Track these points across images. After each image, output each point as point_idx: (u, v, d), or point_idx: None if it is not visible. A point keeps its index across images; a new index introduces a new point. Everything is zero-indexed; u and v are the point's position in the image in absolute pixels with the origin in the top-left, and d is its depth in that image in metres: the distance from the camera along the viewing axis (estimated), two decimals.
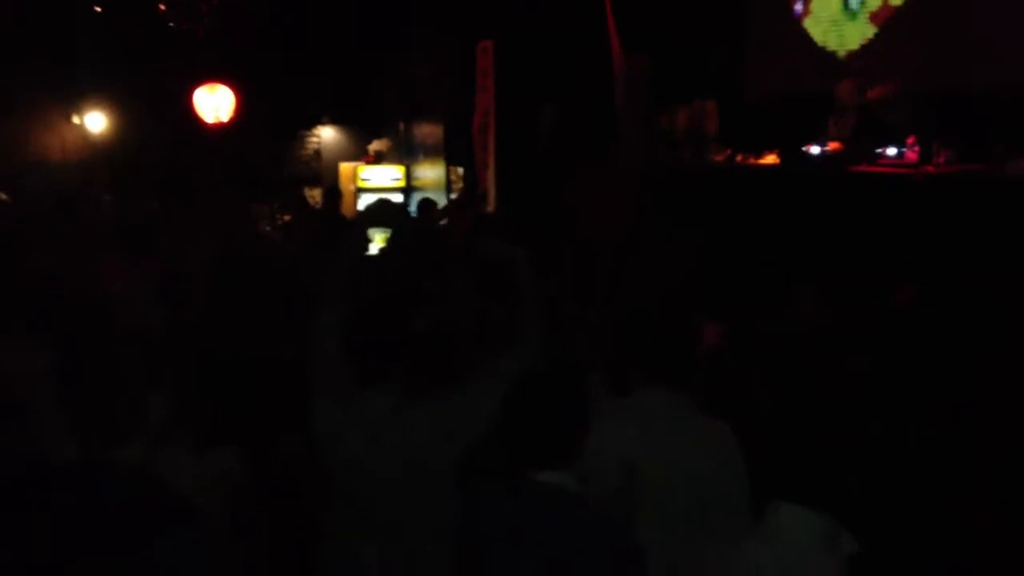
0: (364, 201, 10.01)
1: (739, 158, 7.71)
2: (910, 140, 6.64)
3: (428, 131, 10.54)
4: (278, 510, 3.10)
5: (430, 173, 10.55)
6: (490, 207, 9.64)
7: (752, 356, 4.17)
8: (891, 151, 6.79)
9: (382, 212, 3.43)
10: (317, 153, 11.13)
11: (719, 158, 7.88)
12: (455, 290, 4.32)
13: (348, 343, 2.80)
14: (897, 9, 7.78)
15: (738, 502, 2.60)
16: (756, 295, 5.28)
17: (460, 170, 10.27)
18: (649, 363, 2.73)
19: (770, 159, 7.46)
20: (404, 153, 10.83)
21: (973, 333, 4.69)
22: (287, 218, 8.73)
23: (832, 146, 7.15)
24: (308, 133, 11.11)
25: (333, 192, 8.88)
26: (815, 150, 7.17)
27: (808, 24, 8.57)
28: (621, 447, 2.55)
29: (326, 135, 11.11)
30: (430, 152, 10.56)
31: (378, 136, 10.81)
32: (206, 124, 10.05)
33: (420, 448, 2.63)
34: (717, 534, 2.52)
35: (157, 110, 10.15)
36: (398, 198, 9.96)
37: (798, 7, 8.66)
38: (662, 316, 2.85)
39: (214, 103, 9.93)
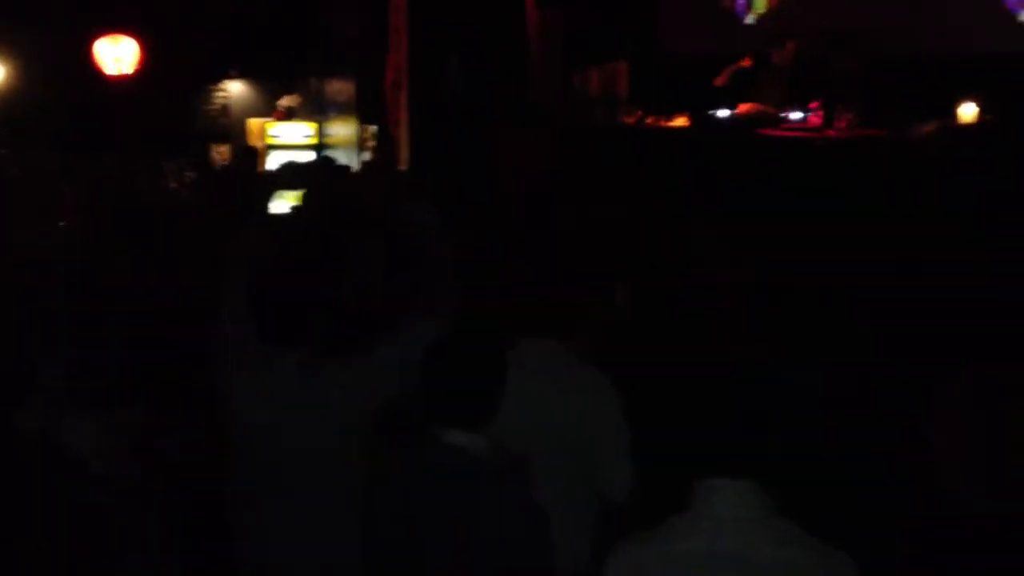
0: (273, 158, 9.84)
1: (649, 120, 7.79)
2: (814, 104, 6.79)
3: (340, 87, 10.39)
4: (186, 469, 3.07)
5: (342, 130, 10.42)
6: (403, 165, 9.59)
7: (656, 314, 4.24)
8: (795, 115, 6.93)
9: (293, 174, 3.39)
10: (225, 108, 10.87)
11: (630, 119, 7.94)
12: (366, 252, 4.30)
13: (255, 303, 2.78)
14: None
15: (613, 451, 2.68)
16: (665, 256, 5.36)
17: (372, 128, 10.15)
18: (526, 316, 2.77)
19: (680, 121, 7.55)
20: (315, 110, 10.66)
21: (873, 291, 4.85)
22: (191, 175, 8.54)
23: (741, 109, 7.27)
24: (216, 88, 10.83)
25: (249, 151, 8.72)
26: (723, 113, 7.27)
27: None
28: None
29: (235, 90, 10.86)
30: (342, 109, 10.41)
31: (289, 92, 10.62)
32: (108, 76, 9.74)
33: (326, 408, 2.63)
34: (595, 485, 2.61)
35: (57, 61, 9.79)
36: (309, 155, 9.81)
37: None
38: (540, 271, 2.88)
39: (116, 54, 9.61)
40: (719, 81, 7.51)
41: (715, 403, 1.94)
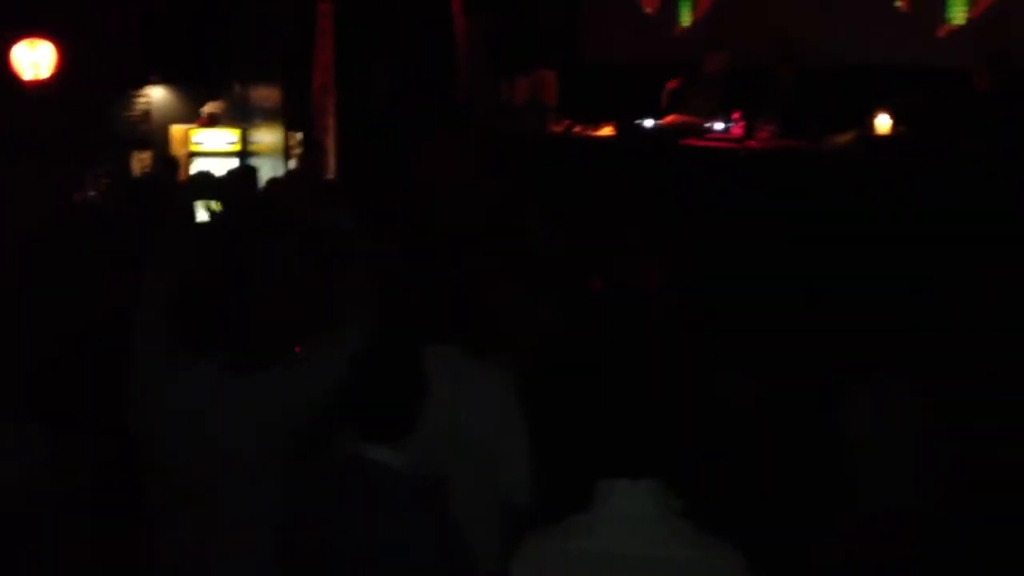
0: (197, 165, 9.67)
1: (577, 129, 7.85)
2: (735, 115, 6.91)
3: (265, 93, 10.26)
4: (99, 485, 3.01)
5: (267, 137, 10.29)
6: (330, 174, 9.51)
7: (587, 319, 4.27)
8: (718, 126, 7.05)
9: (210, 183, 3.36)
10: (147, 115, 10.66)
11: (558, 128, 7.99)
12: (287, 260, 4.26)
13: (172, 313, 2.73)
14: None
15: (513, 452, 2.70)
16: (593, 262, 5.40)
17: (299, 135, 10.05)
18: (424, 319, 2.77)
19: (606, 131, 7.62)
20: (240, 116, 10.52)
21: (790, 297, 4.95)
22: (109, 183, 8.36)
23: (666, 119, 7.37)
24: (137, 93, 10.61)
25: (169, 160, 8.57)
26: (649, 123, 7.37)
27: None
28: None
29: (156, 96, 10.66)
30: (268, 116, 10.29)
31: (213, 98, 10.45)
32: (25, 82, 9.49)
33: (244, 418, 2.59)
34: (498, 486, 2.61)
35: None
36: (233, 163, 9.67)
37: None
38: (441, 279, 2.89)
39: (34, 59, 9.37)
40: (671, 84, 7.58)
41: (617, 403, 1.98)
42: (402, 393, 2.32)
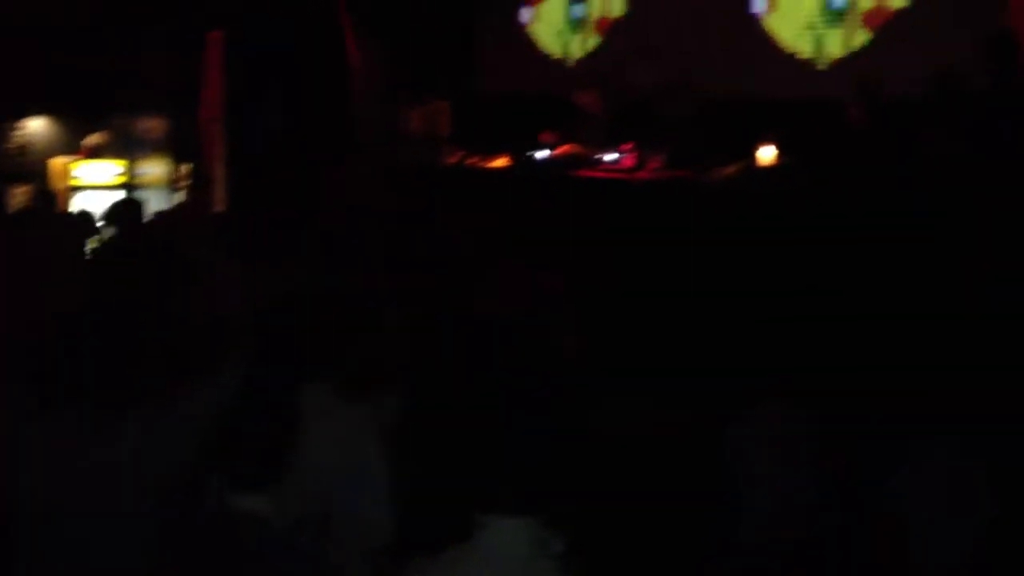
0: (78, 199, 9.36)
1: (471, 160, 7.85)
2: (626, 147, 7.01)
3: (151, 124, 10.02)
4: None
5: (154, 169, 10.05)
6: (220, 206, 9.32)
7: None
8: (610, 157, 7.14)
9: (86, 219, 3.23)
10: (25, 148, 10.27)
11: (452, 159, 7.99)
12: (168, 296, 4.12)
13: (39, 351, 2.60)
14: (616, 20, 8.22)
15: (372, 490, 2.64)
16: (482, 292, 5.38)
17: (187, 166, 9.83)
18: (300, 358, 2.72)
19: (501, 162, 7.65)
20: (125, 148, 10.23)
21: (673, 326, 5.01)
22: None
23: (559, 150, 7.43)
24: (14, 126, 10.23)
25: (46, 194, 8.27)
26: (542, 154, 7.42)
27: (535, 30, 8.86)
28: None
29: (35, 128, 10.29)
30: (154, 147, 10.05)
31: (96, 129, 10.14)
32: None
33: (113, 467, 2.48)
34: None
35: None
36: (117, 195, 9.39)
37: (525, 13, 8.94)
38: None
39: None
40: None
41: (492, 435, 1.93)
42: (273, 439, 2.24)
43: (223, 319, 3.12)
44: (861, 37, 6.97)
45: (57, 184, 9.80)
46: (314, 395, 2.59)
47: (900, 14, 6.77)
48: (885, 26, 6.84)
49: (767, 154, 6.39)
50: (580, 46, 8.57)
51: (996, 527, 2.99)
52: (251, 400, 2.26)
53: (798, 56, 7.29)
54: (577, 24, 8.58)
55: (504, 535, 1.86)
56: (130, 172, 10.04)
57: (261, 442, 2.21)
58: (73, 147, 10.15)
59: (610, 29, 8.35)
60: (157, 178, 10.04)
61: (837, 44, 7.10)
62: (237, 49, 9.23)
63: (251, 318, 2.93)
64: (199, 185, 9.30)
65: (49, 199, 8.14)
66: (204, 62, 9.56)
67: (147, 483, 2.51)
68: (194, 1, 9.31)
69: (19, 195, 9.19)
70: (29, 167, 10.04)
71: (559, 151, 7.43)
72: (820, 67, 7.19)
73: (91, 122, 10.07)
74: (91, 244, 5.82)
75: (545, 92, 7.85)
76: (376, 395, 2.80)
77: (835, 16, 7.07)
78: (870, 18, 6.92)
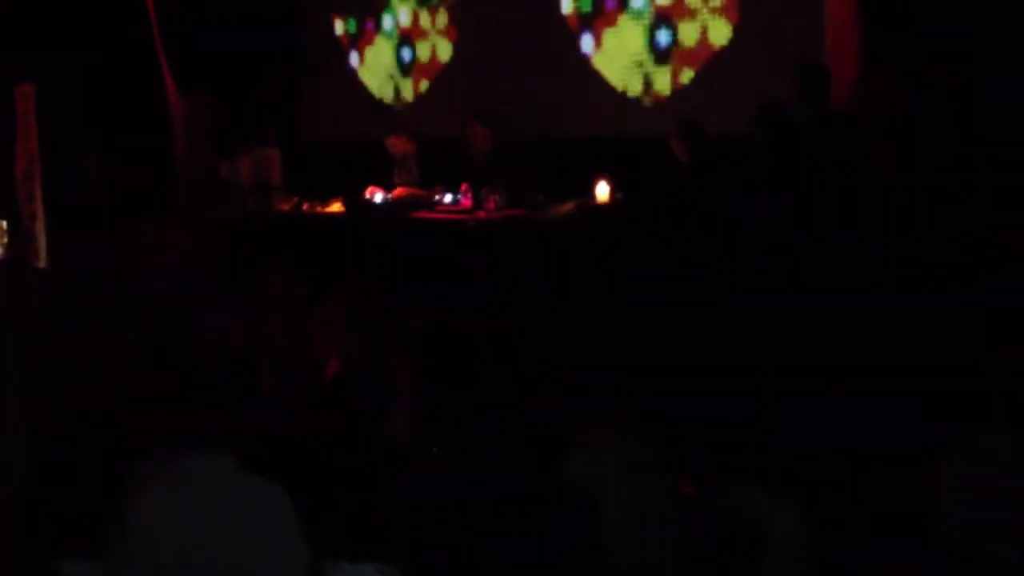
0: None
1: (306, 206, 7.69)
2: (463, 187, 6.99)
3: None
4: None
5: None
6: (41, 262, 8.85)
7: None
8: (447, 198, 7.11)
9: None
10: None
11: (286, 206, 7.81)
12: None
13: None
14: (444, 64, 8.26)
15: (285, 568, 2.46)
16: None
17: (2, 223, 9.31)
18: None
19: (336, 207, 7.51)
20: None
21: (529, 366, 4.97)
22: None
23: (396, 193, 7.36)
24: None
25: None
26: (379, 198, 7.32)
27: (364, 75, 8.80)
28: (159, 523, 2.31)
29: None
30: None
31: None
32: None
33: None
34: None
35: None
36: None
37: (353, 58, 8.88)
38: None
39: None
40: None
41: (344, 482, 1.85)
42: (93, 501, 2.07)
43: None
44: (687, 75, 7.18)
45: None
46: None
47: (721, 52, 7.00)
48: (708, 64, 7.07)
49: (602, 191, 6.47)
50: (411, 88, 8.56)
51: None
52: (63, 464, 2.11)
53: (628, 95, 7.45)
54: (406, 68, 8.57)
55: None
56: None
57: (81, 506, 2.05)
58: None
59: (439, 73, 8.37)
60: None
61: (664, 83, 7.29)
62: (52, 102, 8.84)
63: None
64: (16, 241, 8.82)
65: None
66: (16, 116, 9.11)
67: None
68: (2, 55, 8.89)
69: None
70: None
71: (395, 193, 7.35)
72: (648, 105, 7.36)
73: None
74: None
75: (372, 137, 7.77)
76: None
77: (661, 55, 7.27)
78: (693, 57, 7.14)
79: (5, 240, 9.23)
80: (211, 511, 2.38)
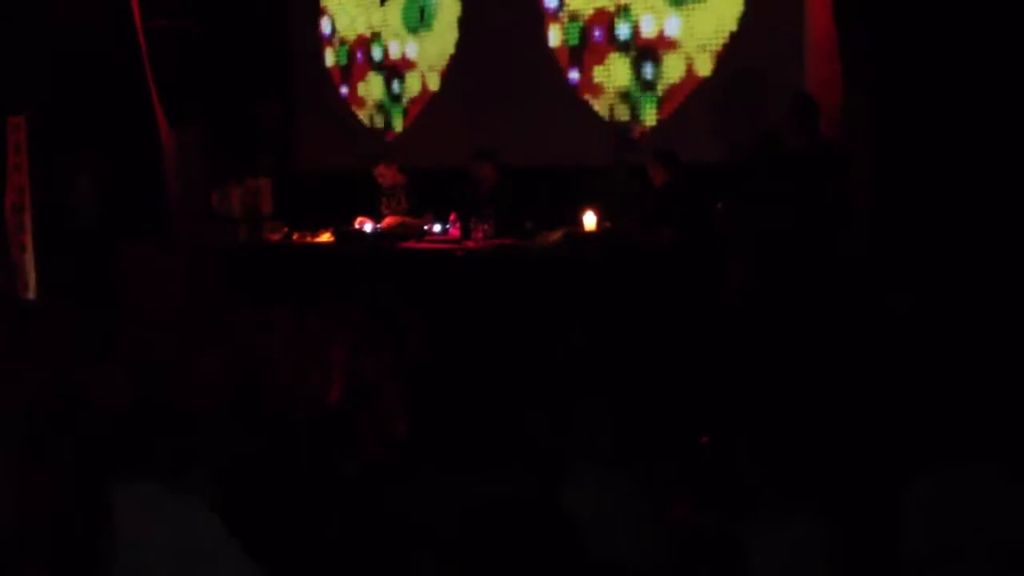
0: None
1: (296, 236, 7.73)
2: (452, 217, 7.05)
3: None
4: None
5: None
6: (31, 294, 8.85)
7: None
8: (436, 228, 7.17)
9: None
10: None
11: (275, 236, 7.84)
12: None
13: None
14: (433, 95, 8.35)
15: None
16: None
17: None
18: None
19: (326, 237, 7.55)
20: None
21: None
22: None
23: (385, 223, 7.41)
24: None
25: None
26: (368, 227, 7.37)
27: (355, 106, 8.88)
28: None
29: None
30: None
31: None
32: None
33: None
34: None
35: None
36: None
37: (344, 89, 8.96)
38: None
39: None
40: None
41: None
42: (88, 537, 2.09)
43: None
44: (672, 105, 7.27)
45: None
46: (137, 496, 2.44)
47: (705, 83, 7.10)
48: (693, 95, 7.16)
49: (589, 220, 6.53)
50: (401, 118, 8.64)
51: None
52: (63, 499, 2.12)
53: (616, 121, 7.53)
54: (396, 99, 8.65)
55: None
56: None
57: (76, 543, 2.07)
58: None
59: (428, 103, 8.46)
60: None
61: (651, 113, 7.38)
62: (43, 134, 8.87)
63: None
64: (5, 273, 8.83)
65: None
66: (7, 148, 9.14)
67: None
68: None
69: None
70: None
71: (385, 223, 7.40)
72: (636, 135, 7.44)
73: None
74: None
75: (362, 167, 7.82)
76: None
77: (647, 85, 7.36)
78: (678, 88, 7.23)
79: None
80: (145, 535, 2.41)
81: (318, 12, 9.06)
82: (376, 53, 8.70)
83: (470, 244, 6.77)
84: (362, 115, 8.85)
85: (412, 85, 8.52)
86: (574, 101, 7.66)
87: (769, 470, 3.42)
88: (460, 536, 2.89)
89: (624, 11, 7.38)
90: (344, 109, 8.92)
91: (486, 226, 6.74)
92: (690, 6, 7.06)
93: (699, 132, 6.83)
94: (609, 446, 3.28)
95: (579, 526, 3.18)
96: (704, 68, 7.08)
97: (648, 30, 7.29)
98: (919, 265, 5.34)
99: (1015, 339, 4.70)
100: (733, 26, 6.88)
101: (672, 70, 7.23)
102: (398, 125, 8.65)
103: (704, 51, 7.04)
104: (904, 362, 4.78)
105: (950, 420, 3.52)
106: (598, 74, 7.58)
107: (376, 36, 8.68)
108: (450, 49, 8.26)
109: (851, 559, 2.88)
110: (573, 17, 7.64)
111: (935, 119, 5.38)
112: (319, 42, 9.05)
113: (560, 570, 2.82)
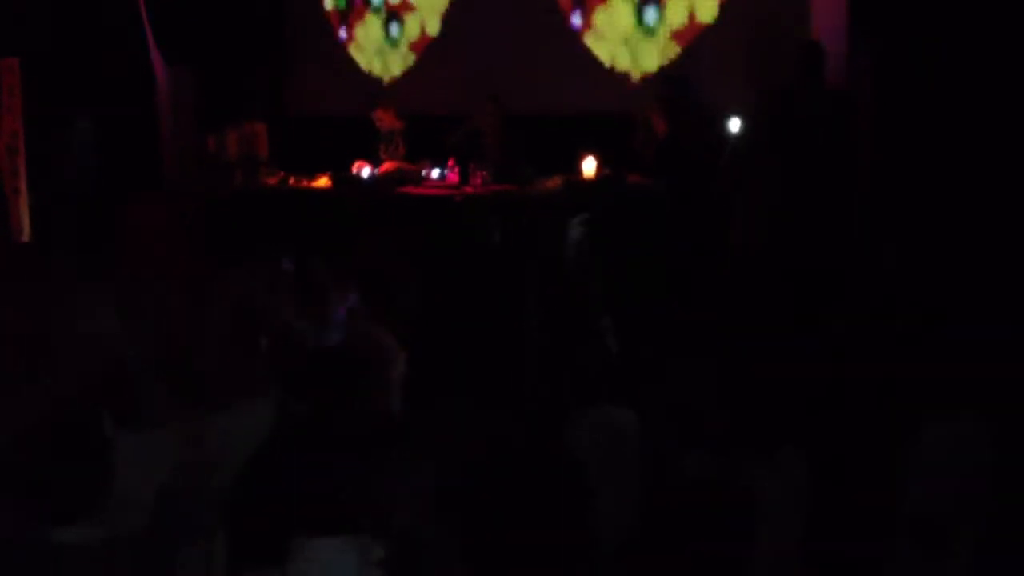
0: None
1: (292, 181, 7.69)
2: (451, 162, 7.00)
3: None
4: None
5: None
6: (24, 236, 8.81)
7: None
8: (435, 173, 7.12)
9: None
10: None
11: (272, 181, 7.80)
12: None
13: None
14: (433, 40, 8.24)
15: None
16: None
17: None
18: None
19: (323, 182, 7.50)
20: None
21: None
22: None
23: (383, 168, 7.36)
24: None
25: None
26: (366, 172, 7.32)
27: (353, 50, 8.76)
28: None
29: None
30: None
31: None
32: None
33: None
34: None
35: None
36: None
37: (342, 33, 8.83)
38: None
39: None
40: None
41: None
42: (87, 468, 2.09)
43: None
44: (673, 52, 7.19)
45: None
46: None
47: (708, 30, 7.01)
48: (695, 41, 7.07)
49: (588, 167, 6.49)
50: (398, 64, 8.53)
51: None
52: (59, 432, 2.12)
53: (616, 71, 7.45)
54: (394, 43, 8.54)
55: (332, 551, 1.84)
56: None
57: (75, 475, 2.08)
58: None
59: (427, 47, 8.35)
60: None
61: (652, 59, 7.29)
62: (37, 77, 8.77)
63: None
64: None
65: None
66: (1, 90, 9.04)
67: None
68: None
69: None
70: None
71: (383, 168, 7.35)
72: (635, 81, 7.37)
73: None
74: None
75: (359, 112, 7.74)
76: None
77: (648, 32, 7.26)
78: (681, 34, 7.14)
79: None
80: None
81: None
82: None
83: (468, 189, 6.73)
84: (359, 59, 8.74)
85: (411, 28, 8.40)
86: (575, 46, 7.57)
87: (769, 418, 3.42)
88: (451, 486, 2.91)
89: None
90: (341, 53, 8.80)
91: (484, 172, 6.70)
92: None
93: (702, 80, 6.75)
94: (607, 391, 3.28)
95: (579, 468, 3.19)
96: (707, 15, 6.98)
97: None
98: (919, 218, 5.31)
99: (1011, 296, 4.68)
100: None
101: (675, 15, 7.13)
102: (396, 69, 8.54)
103: None
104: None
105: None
106: (600, 18, 7.48)
107: None
108: None
109: None
110: None
111: (941, 70, 5.32)
112: None
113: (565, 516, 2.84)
